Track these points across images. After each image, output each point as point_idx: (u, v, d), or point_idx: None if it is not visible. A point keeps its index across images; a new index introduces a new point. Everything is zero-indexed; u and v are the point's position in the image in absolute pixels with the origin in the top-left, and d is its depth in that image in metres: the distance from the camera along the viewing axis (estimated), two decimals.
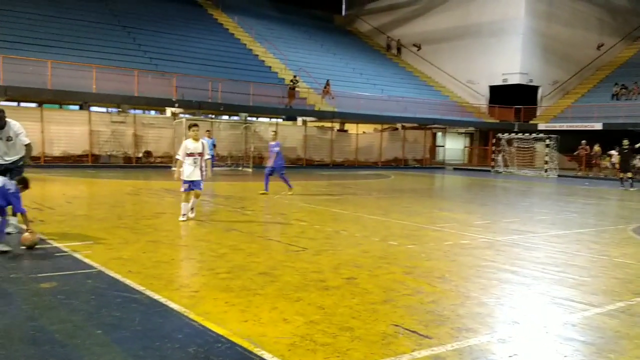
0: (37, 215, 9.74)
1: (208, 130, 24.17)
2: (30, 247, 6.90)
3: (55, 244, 7.26)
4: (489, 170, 33.69)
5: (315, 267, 6.51)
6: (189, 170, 9.84)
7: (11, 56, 24.22)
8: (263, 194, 14.87)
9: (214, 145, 23.47)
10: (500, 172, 32.67)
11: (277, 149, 15.06)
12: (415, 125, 37.63)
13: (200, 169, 9.98)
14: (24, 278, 5.65)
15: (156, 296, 5.08)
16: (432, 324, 4.62)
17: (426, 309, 5.07)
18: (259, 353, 3.82)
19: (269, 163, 15.29)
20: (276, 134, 15.79)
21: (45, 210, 10.55)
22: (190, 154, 9.81)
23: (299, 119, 35.14)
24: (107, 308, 4.72)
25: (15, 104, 25.83)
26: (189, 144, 9.87)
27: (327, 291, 5.49)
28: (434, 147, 41.53)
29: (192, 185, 9.88)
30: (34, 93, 24.61)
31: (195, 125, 10.05)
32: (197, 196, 10.10)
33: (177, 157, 9.98)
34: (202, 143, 10.01)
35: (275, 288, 5.53)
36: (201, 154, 9.92)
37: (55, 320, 4.39)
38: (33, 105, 26.90)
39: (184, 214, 9.83)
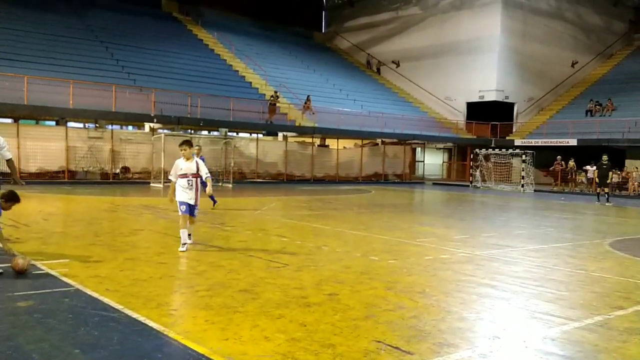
0: (13, 232, 9.55)
1: (198, 146, 24.07)
2: (21, 273, 6.45)
3: (32, 262, 7.10)
4: (467, 185, 34.03)
5: (297, 284, 6.49)
6: (184, 194, 8.70)
7: None
8: None
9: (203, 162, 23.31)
10: (478, 187, 33.02)
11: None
12: (395, 140, 37.93)
13: (196, 192, 8.84)
14: (1, 297, 5.51)
15: (134, 315, 5.00)
16: (413, 340, 4.62)
17: (408, 324, 5.07)
18: None
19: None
20: (200, 149, 15.02)
21: (21, 228, 10.35)
22: (183, 175, 8.68)
23: (280, 134, 35.16)
24: (85, 327, 4.63)
25: None
26: (181, 164, 8.74)
27: (308, 308, 5.47)
28: (413, 162, 41.87)
29: (187, 208, 8.75)
30: (9, 108, 24.24)
31: (186, 142, 8.84)
32: (191, 223, 9.03)
33: (169, 177, 8.92)
34: (197, 162, 8.85)
35: (256, 305, 5.49)
36: (196, 175, 8.77)
37: (32, 340, 4.30)
38: (9, 120, 26.48)
39: (184, 243, 8.59)
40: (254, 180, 30.94)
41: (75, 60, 29.23)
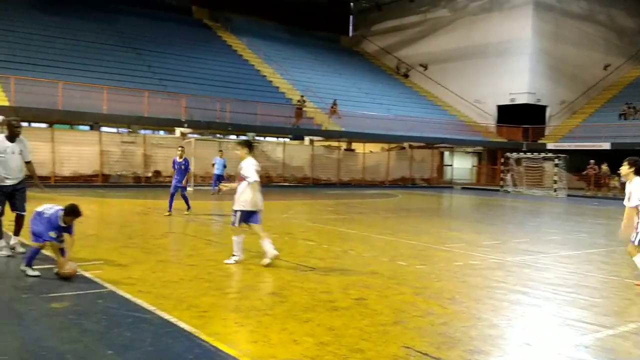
0: None
1: (220, 150, 24.41)
2: (67, 278, 6.45)
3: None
4: (497, 190, 33.56)
5: (324, 288, 6.50)
6: (257, 197, 7.77)
7: (23, 77, 24.55)
8: (169, 215, 13.81)
9: (224, 166, 23.67)
10: (509, 192, 32.54)
11: (184, 166, 14.20)
12: (423, 144, 37.66)
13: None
14: (35, 298, 5.67)
15: (166, 316, 5.09)
16: (443, 346, 4.59)
17: (437, 330, 5.04)
18: None
19: (174, 181, 14.30)
20: (183, 151, 14.74)
21: None
22: (243, 178, 7.77)
23: (306, 139, 35.27)
24: (118, 328, 4.73)
25: (26, 124, 26.12)
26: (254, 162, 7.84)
27: (336, 312, 5.48)
28: (441, 167, 41.50)
29: (249, 217, 7.82)
30: (45, 114, 24.88)
31: (246, 143, 8.15)
32: (258, 232, 7.88)
33: (253, 179, 7.70)
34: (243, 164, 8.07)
35: (285, 308, 5.53)
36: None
37: (66, 341, 4.41)
38: (44, 125, 27.18)
39: (235, 255, 7.67)
40: (281, 184, 31.08)
41: (108, 67, 29.85)
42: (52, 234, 6.70)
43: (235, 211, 7.74)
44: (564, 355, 4.50)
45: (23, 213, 8.09)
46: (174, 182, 14.33)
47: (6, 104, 23.25)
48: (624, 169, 7.27)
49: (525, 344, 4.77)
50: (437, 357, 4.32)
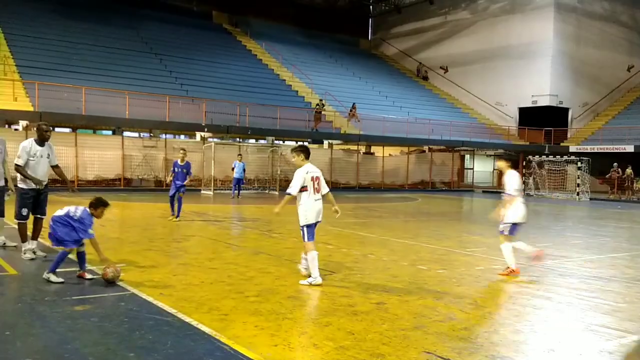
0: None
1: (239, 154, 24.58)
2: (111, 282, 6.46)
3: (89, 267, 7.37)
4: None
5: (344, 292, 6.48)
6: (316, 208, 7.09)
7: (46, 83, 24.99)
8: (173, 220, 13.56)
9: (244, 170, 23.84)
10: (531, 195, 32.14)
11: (185, 169, 13.78)
12: (443, 147, 37.42)
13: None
14: (58, 301, 5.75)
15: (187, 319, 5.12)
16: (465, 352, 4.54)
17: (459, 335, 4.99)
18: None
19: (173, 184, 13.74)
20: (185, 154, 14.26)
21: None
22: (305, 188, 7.00)
23: (325, 142, 35.28)
24: (139, 331, 4.77)
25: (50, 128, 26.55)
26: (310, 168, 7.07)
27: (356, 316, 5.46)
28: (462, 170, 41.17)
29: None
30: (68, 118, 25.28)
31: (300, 148, 7.22)
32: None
33: (288, 191, 7.01)
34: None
35: (304, 312, 5.52)
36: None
37: (88, 343, 4.46)
38: (67, 130, 27.61)
39: (314, 278, 6.80)
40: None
41: (130, 72, 30.24)
42: (92, 231, 6.86)
43: (302, 226, 7.06)
44: None
45: (43, 217, 8.22)
46: (173, 185, 13.71)
47: (31, 109, 23.68)
48: None
49: (548, 350, 4.69)
50: None
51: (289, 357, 4.24)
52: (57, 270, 6.70)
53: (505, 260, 7.96)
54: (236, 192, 23.32)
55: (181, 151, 14.43)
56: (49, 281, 6.62)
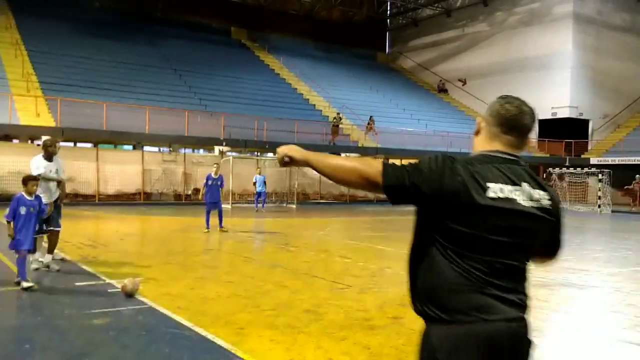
0: (91, 252, 10.08)
1: (258, 168, 24.79)
2: (130, 296, 6.39)
3: (108, 280, 7.47)
4: None
5: (360, 306, 6.47)
6: None
7: (69, 99, 25.45)
8: (207, 232, 13.85)
9: (265, 182, 24.05)
10: None
11: (219, 182, 14.19)
12: None
13: None
14: (77, 314, 5.82)
15: (204, 332, 5.15)
16: None
17: None
18: None
19: (209, 198, 14.06)
20: (219, 168, 14.71)
21: (98, 247, 10.89)
22: None
23: (343, 155, 35.28)
24: (156, 344, 4.82)
25: (71, 144, 27.01)
26: None
27: (372, 330, 5.44)
28: None
29: None
30: (90, 134, 25.68)
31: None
32: None
33: None
34: None
35: (320, 326, 5.52)
36: None
37: (106, 357, 4.51)
38: (89, 145, 28.05)
39: None
40: (317, 201, 31.15)
41: (150, 87, 30.70)
42: (6, 212, 6.95)
43: None
44: None
45: (57, 229, 8.34)
46: (208, 198, 14.07)
47: (53, 124, 24.13)
48: None
49: None
50: None
51: None
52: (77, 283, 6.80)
53: None
54: (259, 205, 23.54)
55: (215, 165, 15.03)
56: (22, 289, 6.77)
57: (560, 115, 39.50)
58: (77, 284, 7.31)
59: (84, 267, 8.50)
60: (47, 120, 24.59)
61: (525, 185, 1.96)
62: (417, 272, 2.04)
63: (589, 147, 39.87)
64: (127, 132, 26.09)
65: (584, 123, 40.48)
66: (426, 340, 2.03)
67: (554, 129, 39.55)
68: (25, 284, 6.85)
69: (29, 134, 25.15)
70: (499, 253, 1.92)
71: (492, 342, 1.87)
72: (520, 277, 1.99)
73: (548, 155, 39.10)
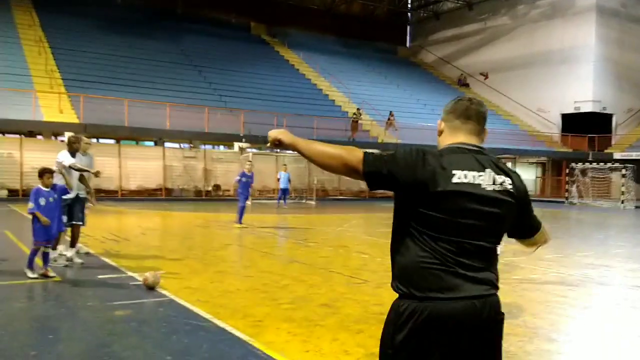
0: (113, 246, 10.28)
1: (284, 165, 24.91)
2: (151, 288, 6.62)
3: (130, 274, 7.62)
4: (562, 202, 32.40)
5: (377, 300, 6.50)
6: None
7: (91, 95, 25.84)
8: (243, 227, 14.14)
9: (289, 180, 24.12)
10: (575, 204, 31.35)
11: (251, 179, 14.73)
12: None
13: None
14: (100, 306, 5.97)
15: (222, 324, 5.25)
16: None
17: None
18: None
19: (243, 194, 14.55)
20: (252, 165, 15.63)
21: (121, 242, 11.10)
22: None
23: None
24: (176, 335, 4.92)
25: (94, 140, 27.42)
26: None
27: None
28: None
29: None
30: (112, 130, 26.05)
31: None
32: None
33: None
34: None
35: (337, 320, 5.58)
36: None
37: (127, 347, 4.63)
38: (111, 141, 28.47)
39: None
40: (337, 197, 31.19)
41: (171, 84, 30.98)
42: (31, 205, 7.04)
43: None
44: None
45: (79, 223, 8.49)
46: (243, 195, 14.44)
47: (76, 121, 24.54)
48: None
49: None
50: None
51: None
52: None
53: None
54: (281, 201, 23.67)
55: (248, 163, 15.41)
56: (26, 276, 6.95)
57: (583, 110, 38.94)
58: (100, 276, 7.48)
59: (107, 260, 8.68)
60: (70, 116, 25.01)
61: (488, 170, 2.14)
62: (395, 254, 2.23)
63: (613, 142, 39.25)
64: (148, 128, 26.39)
65: (608, 117, 39.84)
66: (395, 312, 2.16)
67: (577, 123, 39.01)
68: (30, 274, 7.04)
69: (52, 130, 25.60)
70: (467, 234, 2.10)
71: (459, 318, 2.05)
72: (488, 257, 2.18)
73: (571, 150, 38.58)
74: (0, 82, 24.66)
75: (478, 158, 2.17)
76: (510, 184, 2.17)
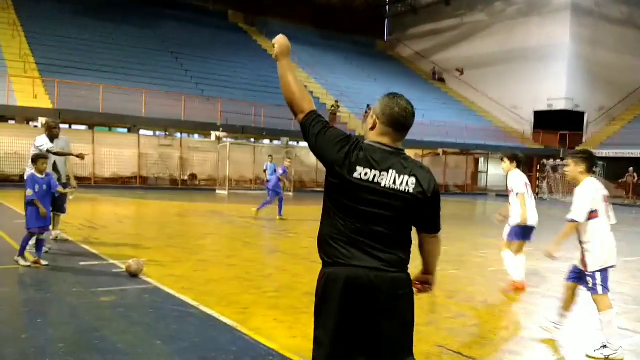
0: (91, 233, 10.24)
1: (270, 155, 24.75)
2: (135, 276, 6.70)
3: (112, 261, 7.64)
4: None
5: None
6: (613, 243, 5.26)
7: (65, 80, 25.38)
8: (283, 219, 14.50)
9: (275, 171, 23.99)
10: (545, 199, 32.10)
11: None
12: (457, 150, 37.40)
13: None
14: (85, 292, 5.99)
15: (209, 311, 5.34)
16: (475, 346, 4.72)
17: (469, 331, 5.16)
18: None
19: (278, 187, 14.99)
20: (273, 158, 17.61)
21: (99, 229, 11.05)
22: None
23: None
24: (164, 321, 5.01)
25: (67, 126, 26.99)
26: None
27: None
28: (476, 173, 41.12)
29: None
30: (86, 116, 25.63)
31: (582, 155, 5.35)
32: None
33: (574, 217, 5.27)
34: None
35: None
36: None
37: (117, 331, 4.70)
38: (84, 127, 28.06)
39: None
40: (314, 189, 31.33)
41: (147, 70, 30.63)
42: (29, 192, 7.02)
43: (592, 272, 5.37)
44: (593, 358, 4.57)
45: (59, 214, 8.50)
46: (278, 186, 14.83)
47: (50, 106, 24.12)
48: None
49: (558, 346, 4.85)
50: (469, 355, 4.45)
51: (306, 347, 4.41)
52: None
53: (508, 271, 7.20)
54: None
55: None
56: (17, 264, 6.97)
57: (556, 107, 39.73)
58: (82, 263, 7.48)
59: (87, 247, 8.67)
60: (44, 101, 24.57)
61: (391, 171, 2.47)
62: (320, 226, 2.66)
63: (584, 139, 40.16)
64: (123, 115, 26.04)
65: (580, 115, 40.73)
66: (319, 277, 2.62)
67: (549, 120, 39.80)
68: (22, 262, 7.02)
69: (25, 116, 25.13)
70: (366, 220, 2.47)
71: (353, 281, 2.46)
72: (386, 241, 2.52)
73: (543, 146, 39.37)
74: None
75: (390, 159, 2.49)
76: (413, 184, 2.49)
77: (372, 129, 2.59)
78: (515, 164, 7.60)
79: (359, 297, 2.45)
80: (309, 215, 15.77)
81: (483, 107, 44.19)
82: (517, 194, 7.53)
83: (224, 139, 28.82)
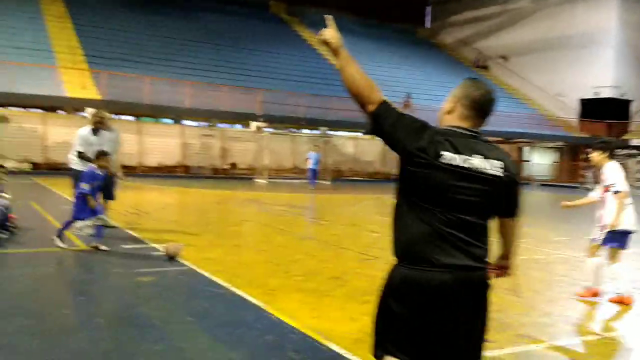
0: (135, 219, 10.74)
1: (317, 145, 25.07)
2: (172, 258, 6.97)
3: (152, 245, 8.05)
4: (577, 187, 32.37)
5: (385, 275, 6.84)
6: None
7: (112, 72, 26.22)
8: None
9: (319, 160, 24.17)
10: (590, 189, 31.24)
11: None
12: (500, 139, 36.74)
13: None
14: (126, 273, 6.39)
15: (239, 292, 5.64)
16: (494, 330, 4.82)
17: (491, 316, 5.27)
18: (328, 344, 4.25)
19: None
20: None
21: (142, 216, 11.55)
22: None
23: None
24: (197, 299, 5.35)
25: (114, 116, 27.87)
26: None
27: None
28: (519, 162, 40.35)
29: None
30: (132, 107, 26.44)
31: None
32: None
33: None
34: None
35: (345, 291, 5.94)
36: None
37: (153, 308, 5.05)
38: (131, 118, 28.97)
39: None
40: (351, 178, 31.47)
41: (190, 62, 31.28)
42: (84, 185, 7.21)
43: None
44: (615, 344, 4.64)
45: (109, 200, 8.93)
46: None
47: (98, 97, 25.00)
48: None
49: (576, 334, 4.94)
50: (486, 339, 4.58)
51: (327, 327, 4.68)
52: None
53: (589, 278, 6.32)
54: (315, 181, 23.69)
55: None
56: (54, 244, 7.27)
57: (602, 95, 38.57)
58: (124, 246, 7.92)
59: (130, 232, 9.13)
60: (91, 92, 25.48)
61: (476, 156, 2.33)
62: (394, 224, 2.47)
63: (630, 129, 38.87)
64: (167, 106, 26.73)
65: (626, 104, 39.42)
66: (390, 277, 2.47)
67: (595, 109, 38.67)
68: (59, 243, 7.33)
69: (74, 106, 26.11)
70: (457, 208, 2.29)
71: (443, 286, 2.27)
72: (475, 232, 2.34)
73: (589, 135, 38.28)
74: (24, 57, 25.15)
75: (473, 143, 2.38)
76: (500, 167, 2.36)
77: (450, 113, 2.48)
78: (607, 154, 6.29)
79: (444, 304, 2.31)
80: (344, 204, 15.97)
81: (527, 94, 43.23)
82: (616, 191, 6.09)
83: (264, 129, 29.27)
